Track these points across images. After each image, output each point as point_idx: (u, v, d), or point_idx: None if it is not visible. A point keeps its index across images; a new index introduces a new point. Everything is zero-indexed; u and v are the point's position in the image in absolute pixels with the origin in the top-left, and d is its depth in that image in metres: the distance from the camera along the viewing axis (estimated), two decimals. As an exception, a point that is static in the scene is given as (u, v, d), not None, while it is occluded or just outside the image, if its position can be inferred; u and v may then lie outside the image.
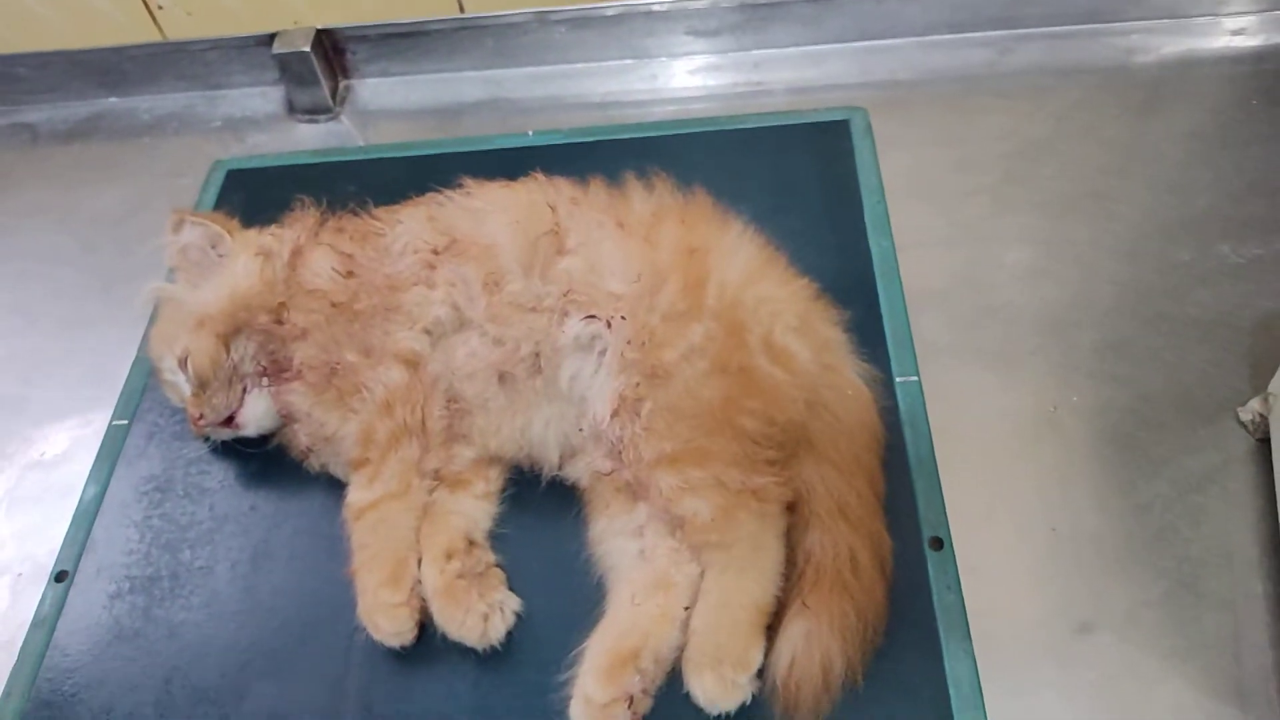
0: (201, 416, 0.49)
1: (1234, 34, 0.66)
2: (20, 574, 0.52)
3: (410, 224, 0.50)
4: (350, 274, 0.49)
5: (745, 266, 0.47)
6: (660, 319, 0.45)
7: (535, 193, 0.49)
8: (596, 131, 0.65)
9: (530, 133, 0.67)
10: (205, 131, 0.74)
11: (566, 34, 0.70)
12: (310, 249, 0.50)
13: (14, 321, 0.64)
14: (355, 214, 0.53)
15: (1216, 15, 0.67)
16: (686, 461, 0.43)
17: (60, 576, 0.50)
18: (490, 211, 0.49)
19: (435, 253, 0.48)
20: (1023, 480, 0.48)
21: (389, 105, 0.73)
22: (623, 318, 0.45)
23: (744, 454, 0.44)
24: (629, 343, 0.45)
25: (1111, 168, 0.61)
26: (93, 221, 0.69)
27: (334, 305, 0.48)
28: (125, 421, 0.56)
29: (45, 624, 0.49)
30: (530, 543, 0.48)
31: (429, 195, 0.51)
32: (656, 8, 0.69)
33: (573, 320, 0.46)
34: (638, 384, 0.44)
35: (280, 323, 0.48)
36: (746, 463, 0.44)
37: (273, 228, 0.52)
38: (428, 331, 0.47)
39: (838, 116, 0.64)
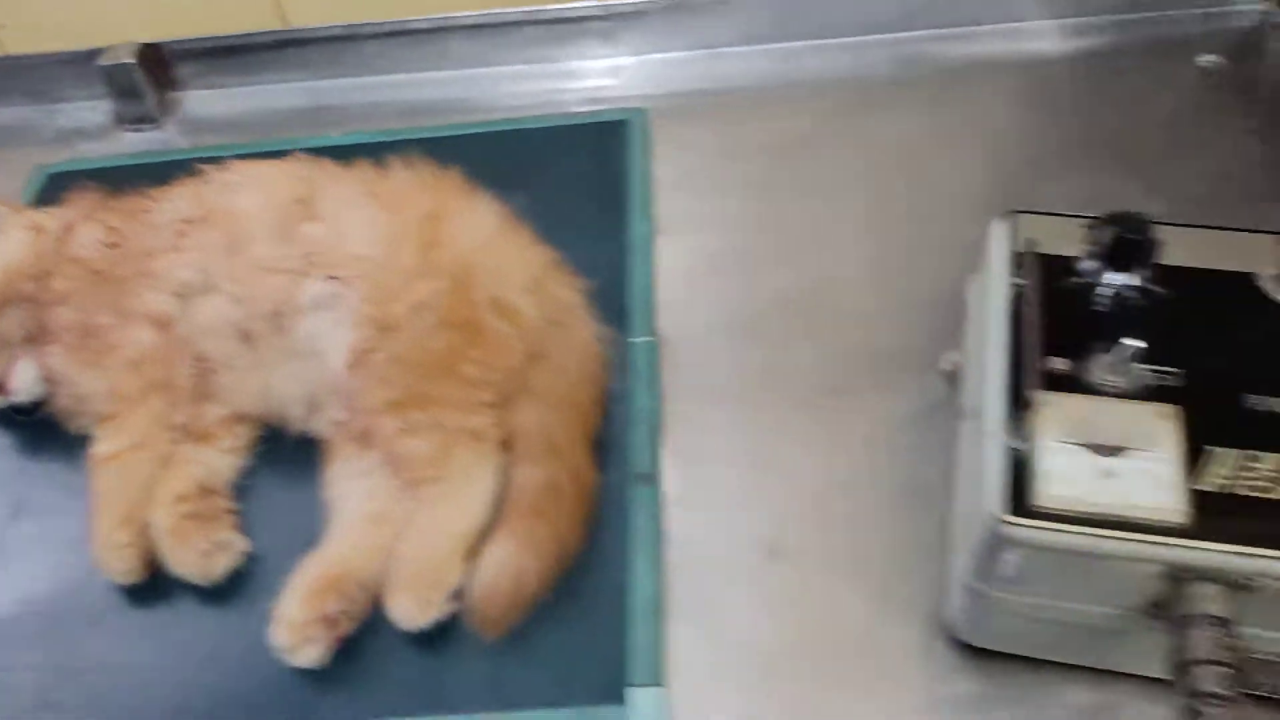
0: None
1: (1010, 39, 0.73)
2: None
3: (174, 200, 0.54)
4: (114, 245, 0.52)
5: (482, 233, 0.51)
6: (394, 277, 0.49)
7: (289, 167, 0.54)
8: (398, 133, 0.70)
9: (336, 134, 0.71)
10: (39, 143, 0.78)
11: (382, 46, 0.75)
12: (81, 223, 0.54)
13: None
14: (133, 195, 0.56)
15: (999, 23, 0.73)
16: (410, 405, 0.47)
17: None
18: (244, 184, 0.53)
19: (188, 222, 0.52)
20: (744, 425, 0.52)
21: (214, 115, 0.77)
22: (361, 277, 0.49)
23: (464, 398, 0.47)
24: (364, 300, 0.49)
25: (869, 163, 0.66)
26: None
27: (94, 272, 0.51)
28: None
29: None
30: (275, 493, 0.51)
31: (198, 175, 0.55)
32: (467, 22, 0.74)
33: (313, 280, 0.50)
34: (370, 337, 0.48)
35: (44, 291, 0.52)
36: (466, 406, 0.47)
37: (52, 208, 0.56)
38: (177, 295, 0.51)
39: (619, 117, 0.69)
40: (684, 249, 0.62)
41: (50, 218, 0.54)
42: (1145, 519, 0.35)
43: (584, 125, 0.68)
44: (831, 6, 0.73)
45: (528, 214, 0.57)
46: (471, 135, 0.68)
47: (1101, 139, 0.66)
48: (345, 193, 0.52)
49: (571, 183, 0.65)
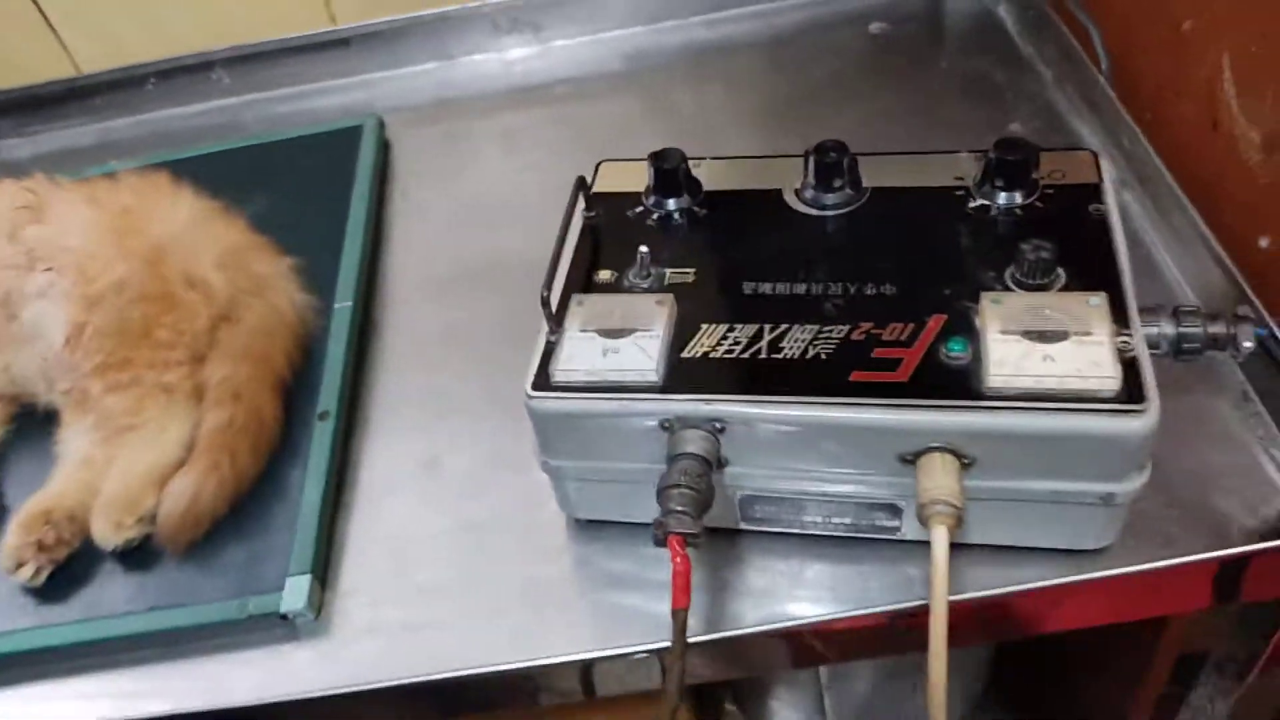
0: None
1: (710, 28, 0.83)
2: None
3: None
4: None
5: (177, 222, 0.60)
6: (96, 263, 0.57)
7: (20, 183, 0.62)
8: (157, 157, 0.78)
9: (115, 163, 0.80)
10: None
11: (157, 85, 0.85)
12: None
13: None
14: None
15: (706, 13, 0.83)
16: (113, 368, 0.55)
17: None
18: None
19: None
20: (428, 370, 0.61)
21: (22, 158, 0.86)
22: (72, 266, 0.58)
23: (157, 358, 0.56)
24: (73, 285, 0.57)
25: (577, 145, 0.75)
26: None
27: None
28: None
29: None
30: (27, 459, 0.59)
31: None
32: (228, 55, 0.84)
33: (34, 273, 0.58)
34: (80, 315, 0.56)
35: None
36: (158, 364, 0.56)
37: None
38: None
39: (354, 123, 0.78)
40: (406, 231, 0.72)
41: None
42: (629, 382, 0.44)
43: (324, 133, 0.78)
44: (561, 12, 0.84)
45: (266, 211, 0.67)
46: (222, 152, 0.78)
47: (774, 105, 0.76)
48: (68, 199, 0.61)
49: (310, 181, 0.74)
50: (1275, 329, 0.46)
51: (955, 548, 0.41)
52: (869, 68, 0.76)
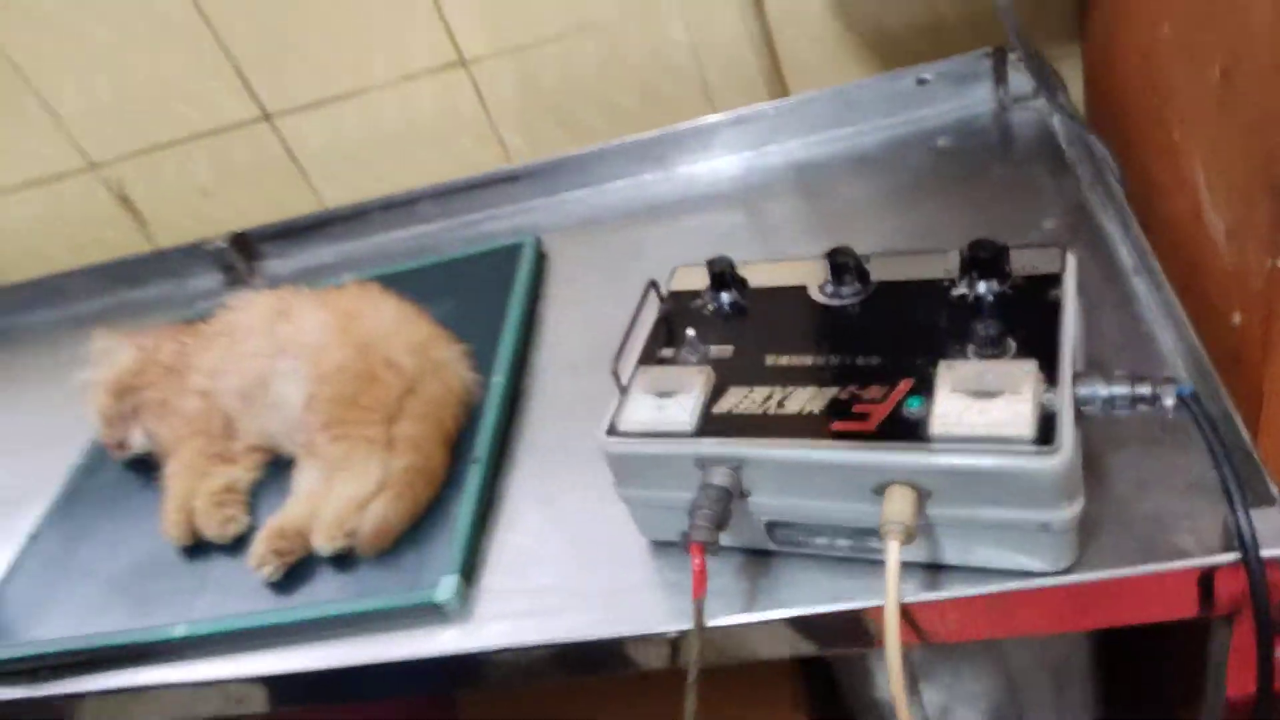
0: (107, 441, 0.87)
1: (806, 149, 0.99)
2: None
3: (213, 323, 0.88)
4: (179, 351, 0.87)
5: (383, 320, 0.82)
6: (324, 352, 0.80)
7: (276, 293, 0.87)
8: (376, 271, 1.02)
9: (347, 277, 1.05)
10: (174, 306, 1.16)
11: (382, 214, 1.10)
12: (164, 341, 0.89)
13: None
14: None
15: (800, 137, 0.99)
16: (332, 426, 0.77)
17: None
18: (246, 306, 0.86)
19: (216, 334, 0.86)
20: (560, 429, 0.79)
21: (283, 273, 1.14)
22: (308, 354, 0.81)
23: (363, 419, 0.77)
24: (309, 367, 0.80)
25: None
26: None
27: (167, 368, 0.86)
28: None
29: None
30: (275, 491, 0.82)
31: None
32: (431, 193, 1.08)
33: (283, 360, 0.82)
34: (312, 389, 0.79)
35: (141, 383, 0.87)
36: (364, 424, 0.77)
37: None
38: (208, 376, 0.84)
39: (516, 241, 0.99)
40: (554, 323, 0.91)
41: (146, 338, 0.90)
42: (671, 430, 0.59)
43: (494, 250, 0.99)
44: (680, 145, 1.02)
45: (449, 311, 0.89)
46: (420, 268, 1.01)
47: (845, 211, 0.90)
48: (308, 304, 0.85)
49: (482, 287, 0.95)
50: (1198, 392, 0.55)
51: (941, 568, 0.53)
52: (932, 177, 0.89)
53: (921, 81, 0.96)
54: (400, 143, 1.08)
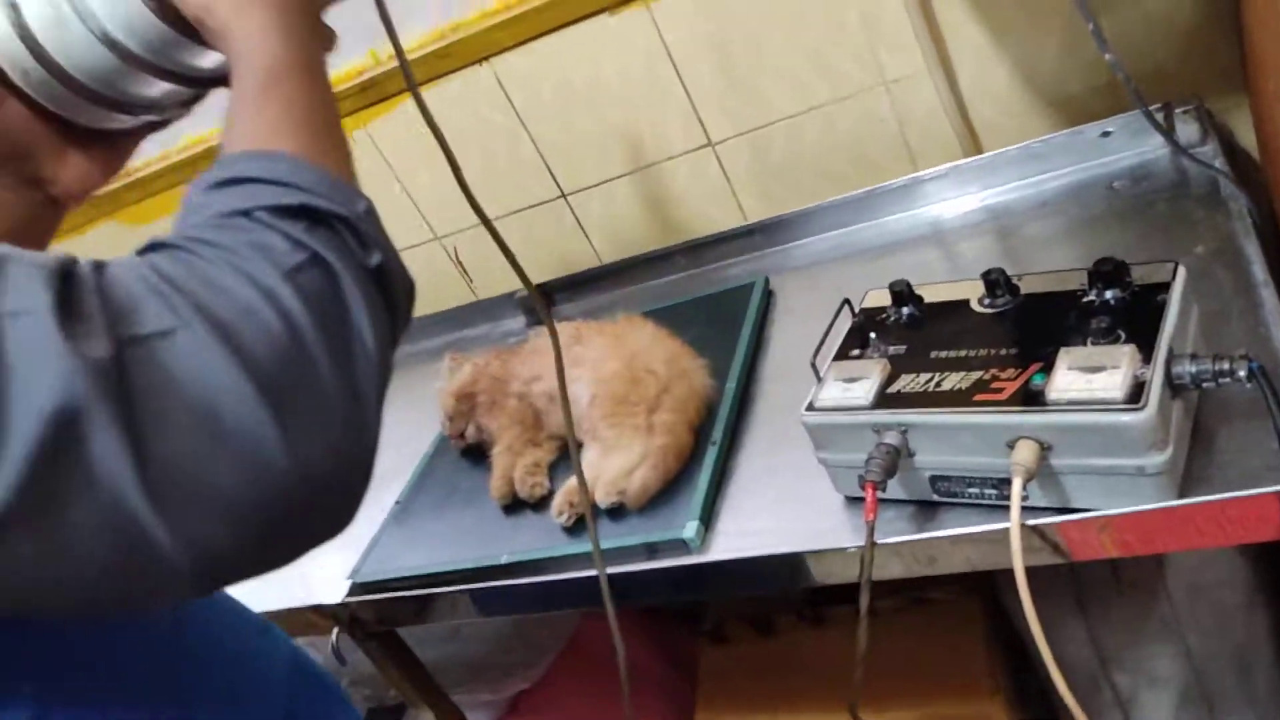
0: (451, 434, 1.19)
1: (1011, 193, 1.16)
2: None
3: (528, 344, 1.18)
4: (504, 364, 1.18)
5: (644, 340, 1.09)
6: (602, 365, 1.07)
7: (574, 323, 1.16)
8: (643, 309, 1.30)
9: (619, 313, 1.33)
10: (490, 342, 1.51)
11: (648, 265, 1.39)
12: (492, 359, 1.20)
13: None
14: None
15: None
16: (609, 416, 1.03)
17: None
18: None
19: (530, 353, 1.16)
20: (780, 422, 1.01)
21: (575, 312, 1.44)
22: (591, 367, 1.08)
23: (631, 411, 1.03)
24: (591, 375, 1.07)
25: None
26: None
27: (494, 378, 1.17)
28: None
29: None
30: (564, 467, 1.09)
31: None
32: (683, 248, 1.35)
33: (576, 369, 1.10)
34: (595, 391, 1.06)
35: (476, 390, 1.18)
36: (631, 414, 1.03)
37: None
38: (525, 383, 1.14)
39: (748, 281, 1.23)
40: (779, 342, 1.14)
41: (482, 357, 1.22)
42: (854, 406, 0.80)
43: (732, 289, 1.24)
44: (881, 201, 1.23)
45: (695, 335, 1.14)
46: (675, 305, 1.27)
47: (1026, 245, 1.06)
48: (592, 332, 1.13)
49: (721, 316, 1.20)
50: (1264, 367, 0.68)
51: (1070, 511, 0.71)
52: (1106, 214, 1.04)
53: (1105, 134, 1.11)
54: (661, 209, 1.37)
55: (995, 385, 0.75)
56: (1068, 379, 0.71)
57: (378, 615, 1.11)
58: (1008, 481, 0.75)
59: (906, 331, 0.86)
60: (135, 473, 0.40)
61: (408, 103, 1.34)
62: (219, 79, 0.69)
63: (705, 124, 1.28)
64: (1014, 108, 1.16)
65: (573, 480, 1.03)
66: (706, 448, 1.00)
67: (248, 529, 0.44)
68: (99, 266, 0.45)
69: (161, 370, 0.42)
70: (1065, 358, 0.73)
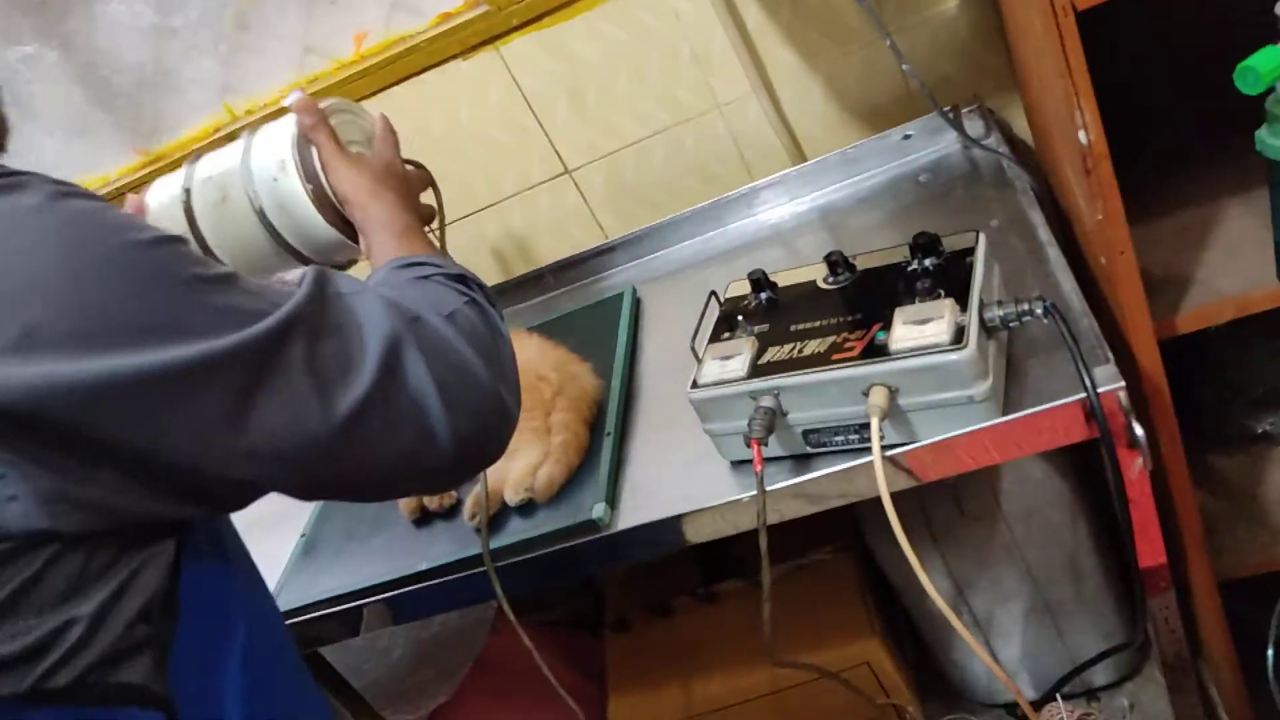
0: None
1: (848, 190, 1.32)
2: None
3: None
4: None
5: (532, 351, 1.18)
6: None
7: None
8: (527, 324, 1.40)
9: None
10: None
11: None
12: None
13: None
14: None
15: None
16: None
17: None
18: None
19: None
20: (664, 410, 1.12)
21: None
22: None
23: (529, 415, 1.12)
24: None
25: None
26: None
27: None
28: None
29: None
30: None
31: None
32: (560, 264, 1.45)
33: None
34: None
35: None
36: (530, 419, 1.11)
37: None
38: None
39: (618, 293, 1.34)
40: (652, 343, 1.25)
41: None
42: (732, 379, 0.92)
43: (603, 300, 1.35)
44: (731, 207, 1.37)
45: (576, 343, 1.24)
46: (552, 320, 1.37)
47: (857, 236, 1.23)
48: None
49: (597, 325, 1.30)
50: (1056, 305, 0.85)
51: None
52: (916, 203, 1.22)
53: (907, 136, 1.29)
54: (528, 235, 1.47)
55: (847, 345, 0.89)
56: (904, 331, 0.86)
57: (302, 637, 1.14)
58: (868, 426, 0.88)
59: (768, 313, 1.00)
60: (432, 384, 0.63)
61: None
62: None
63: (561, 154, 1.39)
64: (829, 120, 1.33)
65: (479, 483, 1.10)
66: (602, 439, 1.10)
67: (474, 438, 0.67)
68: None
69: (432, 334, 0.66)
70: (900, 315, 0.88)
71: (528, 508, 1.07)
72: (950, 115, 1.24)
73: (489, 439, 0.70)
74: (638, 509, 1.01)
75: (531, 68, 1.31)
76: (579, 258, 1.44)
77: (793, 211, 1.34)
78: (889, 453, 0.87)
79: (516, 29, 1.27)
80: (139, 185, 1.42)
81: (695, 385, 0.94)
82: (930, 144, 1.28)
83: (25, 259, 0.51)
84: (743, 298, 1.03)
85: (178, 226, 0.87)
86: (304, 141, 0.87)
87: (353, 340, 0.62)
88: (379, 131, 0.95)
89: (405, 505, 1.16)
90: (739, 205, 1.36)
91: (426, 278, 0.75)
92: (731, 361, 0.94)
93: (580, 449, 1.09)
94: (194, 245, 0.58)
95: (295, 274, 0.71)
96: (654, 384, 1.19)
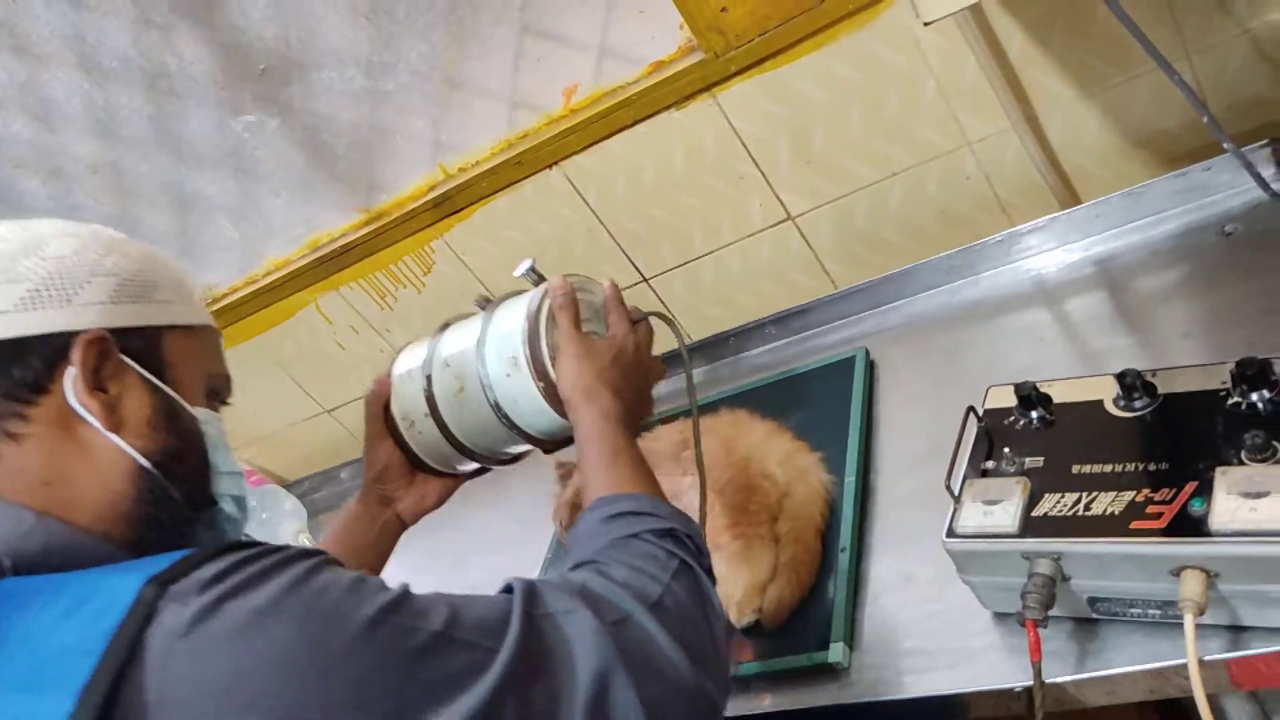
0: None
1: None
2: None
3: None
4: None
5: (755, 441, 1.07)
6: (715, 469, 1.06)
7: (677, 424, 1.15)
8: (734, 390, 1.29)
9: (713, 393, 1.32)
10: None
11: (736, 339, 1.37)
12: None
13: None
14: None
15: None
16: (731, 527, 1.02)
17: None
18: (658, 437, 1.15)
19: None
20: (908, 516, 0.99)
21: (670, 390, 1.44)
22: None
23: (753, 520, 1.02)
24: (707, 483, 1.07)
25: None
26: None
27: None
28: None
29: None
30: (691, 578, 1.09)
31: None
32: (769, 320, 1.33)
33: (686, 477, 1.09)
34: (711, 498, 1.05)
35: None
36: (754, 524, 1.02)
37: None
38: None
39: (849, 355, 1.21)
40: (890, 423, 1.12)
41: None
42: (1000, 532, 0.78)
43: (830, 364, 1.22)
44: (983, 254, 1.19)
45: (800, 422, 1.13)
46: (773, 380, 1.26)
47: (1142, 304, 1.03)
48: (701, 433, 1.12)
49: (824, 398, 1.18)
50: None
51: (1244, 629, 0.68)
52: (1221, 264, 1.00)
53: (1207, 169, 1.06)
54: (746, 283, 1.35)
55: (1151, 510, 0.72)
56: (1229, 505, 0.69)
57: None
58: (1173, 603, 0.72)
59: (1039, 439, 0.84)
60: (639, 707, 0.60)
61: (480, 212, 1.35)
62: (564, 441, 0.92)
63: (783, 200, 1.25)
64: (1108, 155, 1.12)
65: (704, 598, 1.03)
66: (836, 554, 0.99)
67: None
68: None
69: (640, 633, 0.64)
70: (1223, 480, 0.70)
71: (753, 631, 0.98)
72: (1265, 150, 1.00)
73: None
74: (880, 654, 0.89)
75: (751, 113, 1.18)
76: (804, 308, 1.32)
77: (1061, 261, 1.15)
78: (1209, 656, 0.71)
79: (735, 75, 1.14)
80: (361, 242, 1.43)
81: (952, 533, 0.81)
82: (1236, 183, 1.05)
83: (255, 662, 0.51)
84: (1007, 413, 0.88)
85: (418, 409, 0.91)
86: (534, 337, 0.86)
87: (561, 677, 0.60)
88: (609, 301, 0.91)
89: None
90: (994, 252, 1.18)
91: (634, 536, 0.72)
92: (997, 509, 0.80)
93: (812, 565, 0.99)
94: (412, 601, 0.59)
95: (505, 580, 0.67)
96: (894, 480, 1.05)
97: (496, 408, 0.87)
